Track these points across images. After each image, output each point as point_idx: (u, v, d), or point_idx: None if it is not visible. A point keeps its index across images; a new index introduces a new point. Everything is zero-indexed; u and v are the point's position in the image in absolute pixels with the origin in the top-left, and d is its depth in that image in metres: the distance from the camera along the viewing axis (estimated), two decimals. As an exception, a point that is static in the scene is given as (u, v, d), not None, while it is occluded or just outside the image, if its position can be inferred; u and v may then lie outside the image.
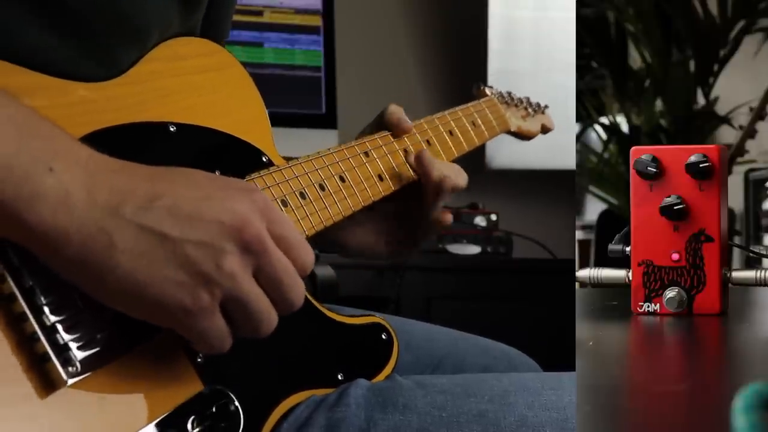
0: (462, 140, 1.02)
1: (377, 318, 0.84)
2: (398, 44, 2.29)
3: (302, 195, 0.79)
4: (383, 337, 0.84)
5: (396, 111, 0.94)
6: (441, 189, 0.90)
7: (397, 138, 0.94)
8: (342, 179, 0.85)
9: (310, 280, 1.43)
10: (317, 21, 1.94)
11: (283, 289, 0.64)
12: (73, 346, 0.61)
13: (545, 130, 1.22)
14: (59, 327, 0.61)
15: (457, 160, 2.37)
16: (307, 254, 0.66)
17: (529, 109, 1.18)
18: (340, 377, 0.78)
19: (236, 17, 1.90)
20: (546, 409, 0.75)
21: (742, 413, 0.43)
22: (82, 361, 0.61)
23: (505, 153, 2.17)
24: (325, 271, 1.44)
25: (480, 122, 1.06)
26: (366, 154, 0.89)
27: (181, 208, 0.61)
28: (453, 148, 1.00)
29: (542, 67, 2.15)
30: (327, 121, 1.93)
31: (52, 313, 0.61)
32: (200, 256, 0.61)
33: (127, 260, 0.59)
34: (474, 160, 2.27)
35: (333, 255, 1.69)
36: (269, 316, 0.65)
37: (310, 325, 0.78)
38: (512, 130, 1.13)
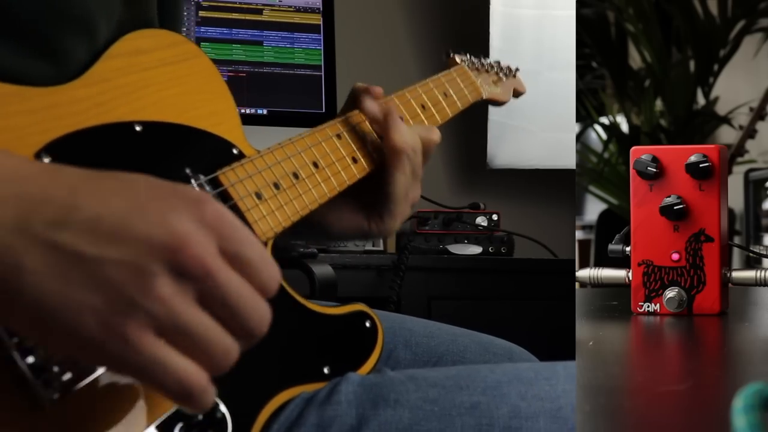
0: (434, 113, 1.00)
1: (360, 306, 0.82)
2: (399, 42, 2.29)
3: (276, 185, 0.78)
4: (367, 324, 0.81)
5: (361, 84, 0.93)
6: (401, 150, 0.88)
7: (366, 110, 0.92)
8: (316, 165, 0.83)
9: (309, 279, 1.43)
10: (317, 19, 1.94)
11: (239, 315, 0.55)
12: (52, 365, 0.59)
13: (517, 93, 1.21)
14: (39, 347, 0.58)
15: (458, 157, 2.35)
16: (270, 272, 0.57)
17: (500, 74, 1.17)
18: (326, 370, 0.77)
19: (235, 15, 1.90)
20: (540, 399, 0.74)
21: (742, 413, 0.43)
22: (62, 380, 0.59)
23: (506, 153, 2.17)
24: (325, 271, 1.44)
25: (452, 92, 1.04)
26: (338, 136, 0.88)
27: (102, 222, 0.52)
28: (426, 122, 0.99)
29: (543, 65, 2.14)
30: (327, 119, 1.92)
31: None
32: (121, 278, 0.51)
33: (36, 283, 0.51)
34: (475, 160, 2.28)
35: (333, 255, 1.70)
36: (223, 346, 0.55)
37: (290, 319, 0.76)
38: (485, 97, 1.11)
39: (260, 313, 0.56)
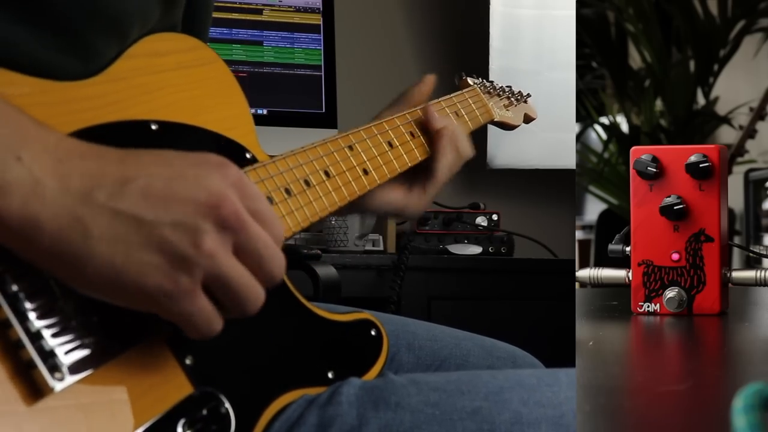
0: None
1: (366, 314, 0.83)
2: (398, 42, 2.29)
3: (287, 191, 0.78)
4: (372, 333, 0.82)
5: (425, 86, 0.99)
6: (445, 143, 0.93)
7: (381, 131, 0.93)
8: (327, 174, 0.84)
9: (312, 280, 1.43)
10: (317, 19, 1.94)
11: (263, 262, 0.64)
12: (59, 351, 0.60)
13: (528, 119, 1.21)
14: (45, 333, 0.60)
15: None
16: (279, 227, 0.66)
17: (512, 99, 1.18)
18: (330, 375, 0.77)
19: (236, 15, 1.90)
20: (541, 406, 0.74)
21: (742, 413, 0.43)
22: (69, 367, 0.60)
23: (506, 153, 2.17)
24: (328, 271, 1.43)
25: (463, 112, 1.05)
26: (350, 147, 0.88)
27: (154, 189, 0.60)
28: None
29: (544, 65, 2.15)
30: (327, 120, 1.92)
31: (37, 318, 0.60)
32: (177, 238, 0.60)
33: (104, 248, 0.59)
34: (475, 160, 2.26)
35: (334, 255, 1.70)
36: (255, 292, 0.64)
37: (298, 324, 0.78)
38: (496, 119, 1.12)
39: (279, 260, 0.65)
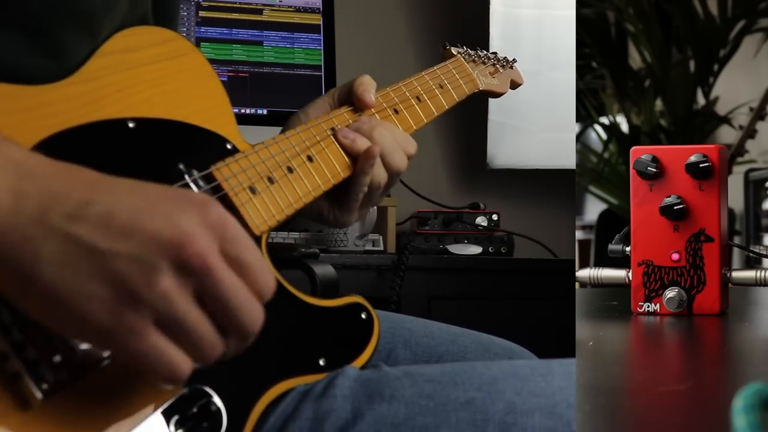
0: (430, 105, 0.99)
1: (356, 298, 0.82)
2: (399, 42, 2.29)
3: (270, 179, 0.77)
4: (363, 316, 0.81)
5: (363, 83, 0.91)
6: (366, 161, 0.86)
7: (361, 111, 0.91)
8: (310, 159, 0.83)
9: (310, 279, 1.42)
10: (317, 19, 1.94)
11: (231, 312, 0.59)
12: (45, 361, 0.60)
13: (514, 85, 1.19)
14: (30, 343, 0.59)
15: (458, 158, 2.35)
16: (267, 278, 0.61)
17: (497, 65, 1.16)
18: (321, 363, 0.77)
19: (236, 15, 1.90)
20: (535, 396, 0.74)
21: (741, 413, 0.43)
22: (56, 377, 0.60)
23: (506, 153, 2.17)
24: (326, 271, 1.43)
25: (447, 84, 1.03)
26: (333, 130, 0.87)
27: (115, 217, 0.56)
28: (421, 114, 0.98)
29: (544, 65, 2.14)
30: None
31: (21, 329, 0.59)
32: (129, 272, 0.55)
33: (51, 272, 0.55)
34: (475, 160, 2.28)
35: (333, 255, 1.70)
36: (211, 341, 0.59)
37: (286, 311, 0.76)
38: (481, 89, 1.10)
39: (253, 313, 0.60)
